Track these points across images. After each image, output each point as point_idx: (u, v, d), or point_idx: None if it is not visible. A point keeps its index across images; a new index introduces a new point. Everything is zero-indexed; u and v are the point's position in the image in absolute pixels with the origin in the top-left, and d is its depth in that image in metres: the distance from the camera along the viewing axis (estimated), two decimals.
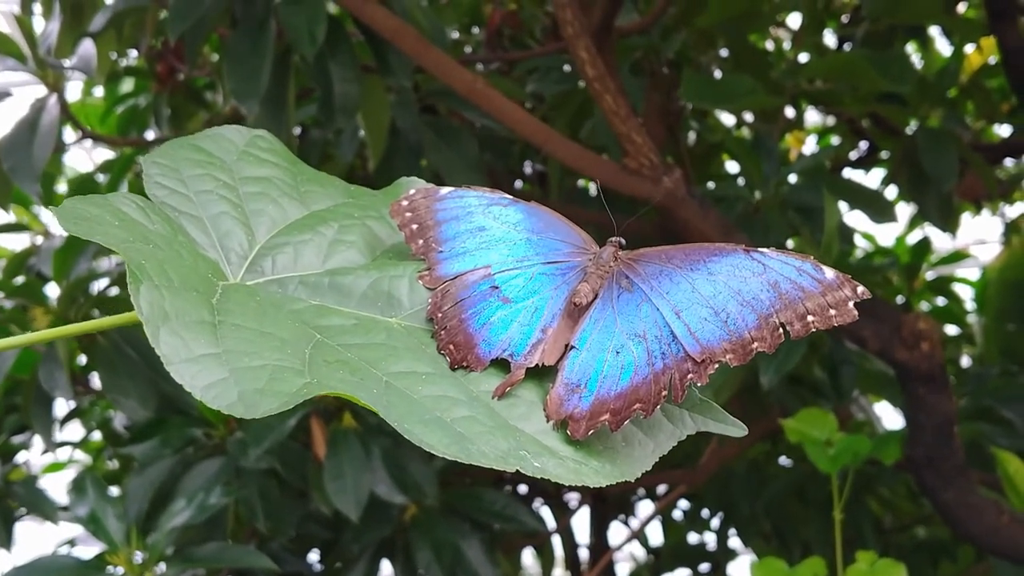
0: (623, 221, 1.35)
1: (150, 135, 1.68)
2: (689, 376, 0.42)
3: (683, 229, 1.14)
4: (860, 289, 0.43)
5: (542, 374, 0.44)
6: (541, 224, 0.50)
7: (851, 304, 0.43)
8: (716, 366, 0.42)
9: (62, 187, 1.71)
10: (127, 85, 1.67)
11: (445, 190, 0.51)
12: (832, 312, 0.42)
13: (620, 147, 1.12)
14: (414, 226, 0.49)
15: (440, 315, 0.45)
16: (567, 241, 0.49)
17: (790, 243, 1.33)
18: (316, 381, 0.38)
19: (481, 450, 0.39)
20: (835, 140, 1.97)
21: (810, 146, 2.07)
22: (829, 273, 0.43)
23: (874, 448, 1.17)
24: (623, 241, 0.49)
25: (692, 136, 1.73)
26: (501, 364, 0.44)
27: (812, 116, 2.02)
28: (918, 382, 1.12)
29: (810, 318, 0.42)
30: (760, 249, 0.45)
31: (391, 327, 0.45)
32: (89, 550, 1.28)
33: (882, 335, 1.11)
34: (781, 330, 0.42)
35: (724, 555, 1.71)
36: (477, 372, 0.43)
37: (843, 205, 1.38)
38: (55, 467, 1.86)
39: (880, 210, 1.36)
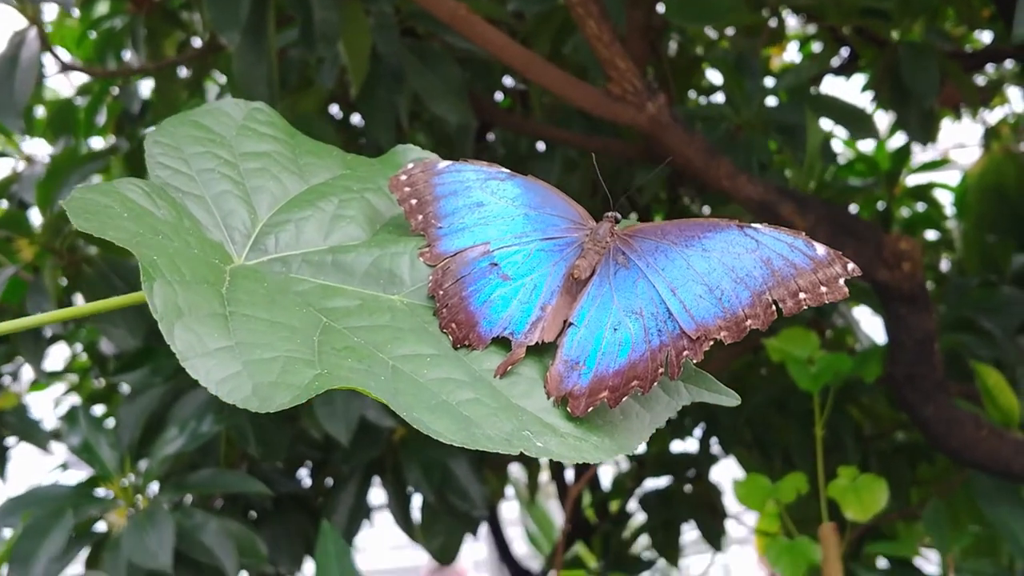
0: (605, 144, 1.36)
1: (127, 56, 1.67)
2: (685, 353, 0.43)
3: (667, 154, 1.15)
4: (851, 266, 0.44)
5: (542, 350, 0.45)
6: (538, 199, 0.51)
7: (842, 281, 0.44)
8: (711, 343, 0.44)
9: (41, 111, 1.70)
10: (103, 7, 1.65)
11: (443, 164, 0.52)
12: (823, 289, 0.44)
13: (603, 73, 1.12)
14: (413, 201, 0.50)
15: (441, 292, 0.46)
16: (564, 216, 0.50)
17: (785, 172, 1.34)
18: (327, 372, 0.39)
19: (487, 434, 0.40)
20: (816, 47, 1.97)
21: (792, 54, 2.07)
22: (820, 250, 0.44)
23: (855, 366, 1.19)
24: (619, 216, 0.50)
25: (674, 46, 1.73)
26: (502, 341, 0.46)
27: (794, 23, 2.01)
28: (899, 302, 1.14)
29: (802, 295, 0.43)
30: (753, 225, 0.46)
31: (394, 306, 0.46)
32: (81, 474, 1.30)
33: (864, 255, 1.12)
34: (774, 307, 0.44)
35: (707, 461, 1.75)
36: (479, 350, 0.45)
37: (825, 121, 1.39)
38: (40, 386, 1.87)
39: (861, 126, 1.37)
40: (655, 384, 0.43)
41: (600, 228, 0.49)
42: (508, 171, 0.52)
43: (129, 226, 0.42)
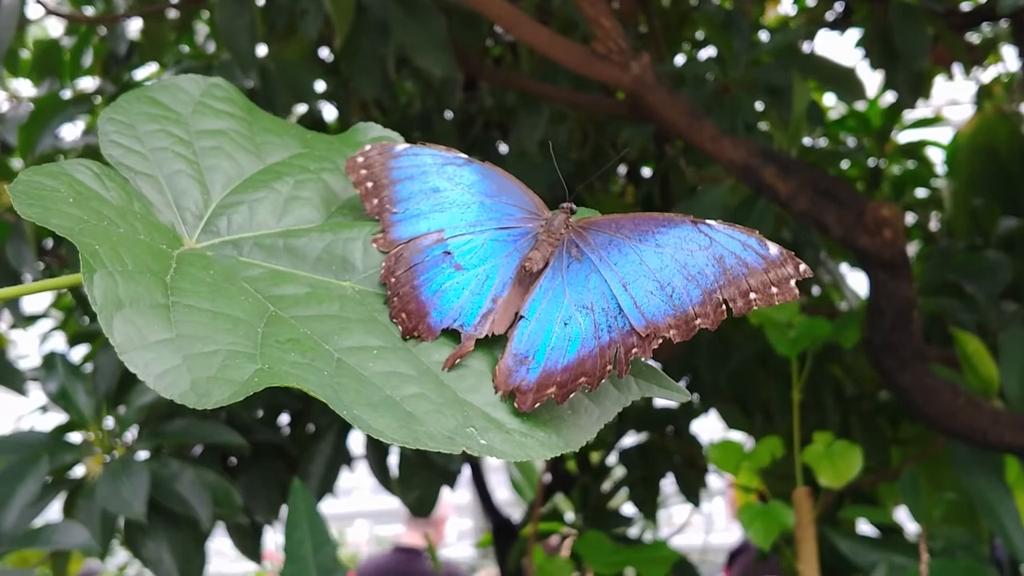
0: (592, 100, 1.35)
1: None
2: (634, 350, 0.43)
3: (651, 114, 1.14)
4: (803, 267, 0.43)
5: (492, 343, 0.45)
6: (494, 187, 0.50)
7: (793, 282, 0.43)
8: (660, 341, 0.43)
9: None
10: None
11: (401, 146, 0.51)
12: (774, 290, 0.43)
13: (589, 31, 1.12)
14: (369, 184, 0.49)
15: (393, 280, 0.46)
16: (519, 206, 0.50)
17: (762, 125, 1.33)
18: (267, 368, 0.39)
19: (428, 432, 0.40)
20: (811, 1, 1.95)
21: (786, 6, 2.05)
22: (773, 249, 0.44)
23: (833, 331, 1.19)
24: (574, 207, 0.49)
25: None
26: (452, 333, 0.45)
27: None
28: (879, 268, 1.14)
29: (752, 295, 0.43)
30: (707, 221, 0.45)
31: (344, 294, 0.46)
32: (60, 417, 1.30)
33: (845, 221, 1.12)
34: (724, 307, 0.43)
35: (688, 416, 1.75)
36: (429, 342, 0.44)
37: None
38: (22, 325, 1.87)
39: (850, 88, 1.36)
40: (603, 381, 0.43)
41: (555, 219, 0.48)
42: (466, 157, 0.51)
43: (74, 212, 0.42)
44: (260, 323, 0.42)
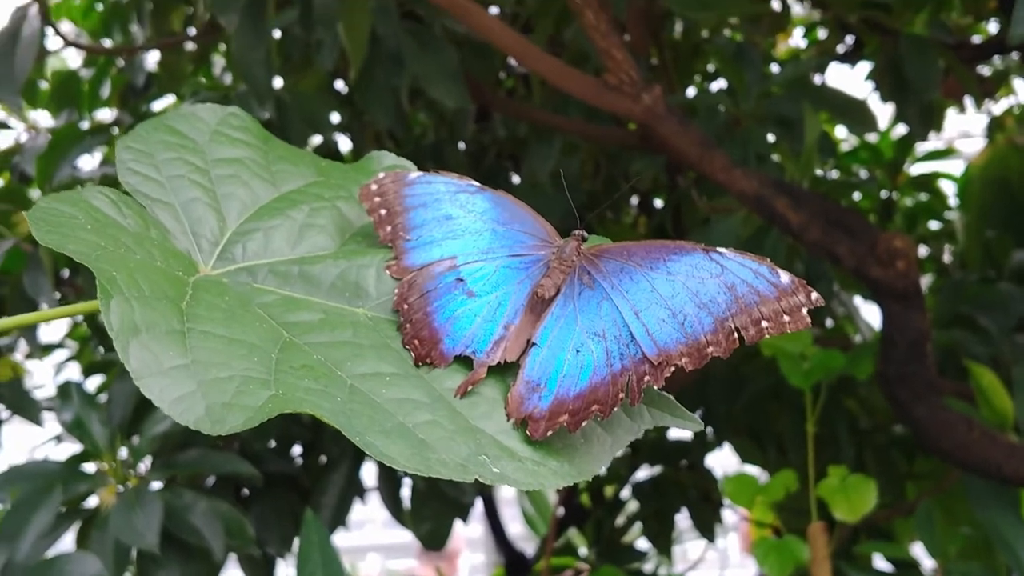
0: (603, 131, 1.35)
1: (134, 28, 1.66)
2: (646, 378, 0.43)
3: (663, 145, 1.15)
4: (814, 296, 0.43)
5: (504, 370, 0.45)
6: (507, 214, 0.50)
7: (805, 311, 0.43)
8: (672, 369, 0.43)
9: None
10: None
11: (414, 174, 0.51)
12: (786, 319, 0.43)
13: (601, 62, 1.12)
14: (383, 211, 0.50)
15: (406, 307, 0.46)
16: (531, 233, 0.50)
17: (775, 158, 1.33)
18: (281, 394, 0.39)
19: (441, 459, 0.40)
20: (822, 34, 1.96)
21: (796, 39, 2.06)
22: (785, 277, 0.44)
23: (847, 364, 1.19)
24: (585, 234, 0.49)
25: (679, 29, 1.72)
26: (465, 360, 0.45)
27: (799, 8, 2.00)
28: (892, 299, 1.13)
29: (764, 323, 0.43)
30: (719, 249, 0.45)
31: (357, 321, 0.46)
32: (75, 447, 1.31)
33: (858, 252, 1.12)
34: (736, 335, 0.43)
35: (702, 449, 1.75)
36: (441, 368, 0.45)
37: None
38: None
39: (862, 120, 1.36)
40: (616, 409, 0.43)
41: (567, 247, 0.49)
42: (478, 185, 0.51)
43: (91, 238, 0.42)
44: (274, 349, 0.42)
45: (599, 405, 0.43)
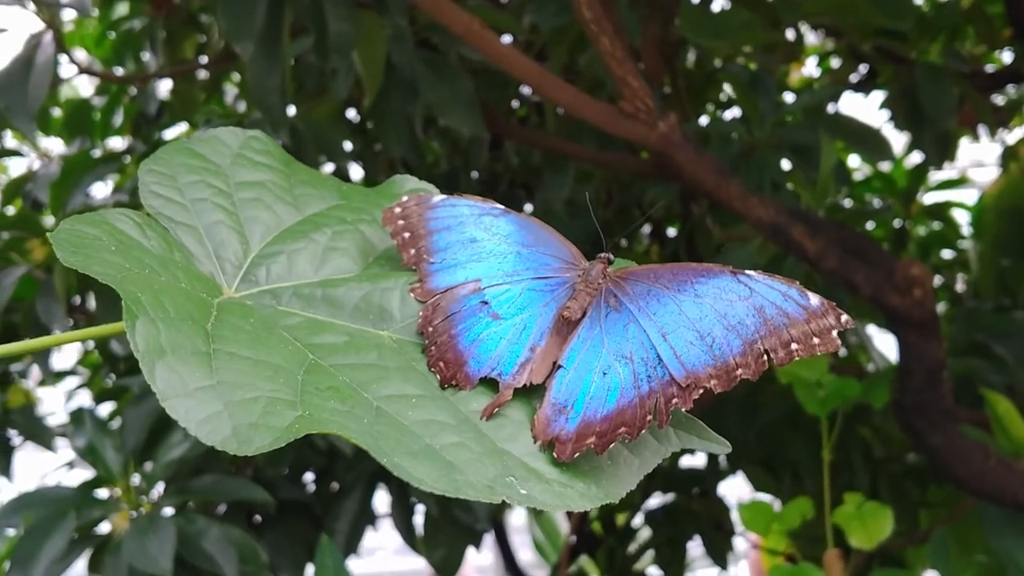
0: (618, 159, 1.35)
1: (146, 56, 1.67)
2: (674, 401, 0.43)
3: (678, 172, 1.15)
4: (844, 318, 0.43)
5: (530, 392, 0.45)
6: (531, 237, 0.50)
7: (835, 333, 0.43)
8: (700, 391, 0.43)
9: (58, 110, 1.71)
10: (122, 8, 1.66)
11: (438, 197, 0.51)
12: (816, 341, 0.43)
13: (616, 90, 1.12)
14: (406, 235, 0.50)
15: (431, 329, 0.46)
16: (556, 255, 0.50)
17: (789, 186, 1.33)
18: (308, 414, 0.39)
19: (469, 480, 0.40)
20: (835, 63, 1.96)
21: (810, 68, 2.06)
22: (814, 300, 0.44)
23: (863, 391, 1.19)
24: (612, 257, 0.49)
25: (692, 58, 1.73)
26: (490, 382, 0.45)
27: (813, 37, 2.00)
28: (909, 328, 1.13)
29: (794, 346, 0.43)
30: (747, 272, 0.45)
31: (382, 343, 0.46)
32: (87, 473, 1.31)
33: (874, 280, 1.12)
34: (765, 357, 0.43)
35: (715, 477, 1.74)
36: (467, 391, 0.44)
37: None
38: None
39: (877, 148, 1.36)
40: (643, 431, 0.43)
41: (592, 269, 0.48)
42: (502, 208, 0.51)
43: (115, 260, 0.42)
44: (300, 371, 0.42)
45: (627, 427, 0.42)
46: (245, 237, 0.49)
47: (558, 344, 0.46)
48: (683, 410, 0.44)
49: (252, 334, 0.42)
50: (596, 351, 0.45)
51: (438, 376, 0.44)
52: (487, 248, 0.49)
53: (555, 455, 0.42)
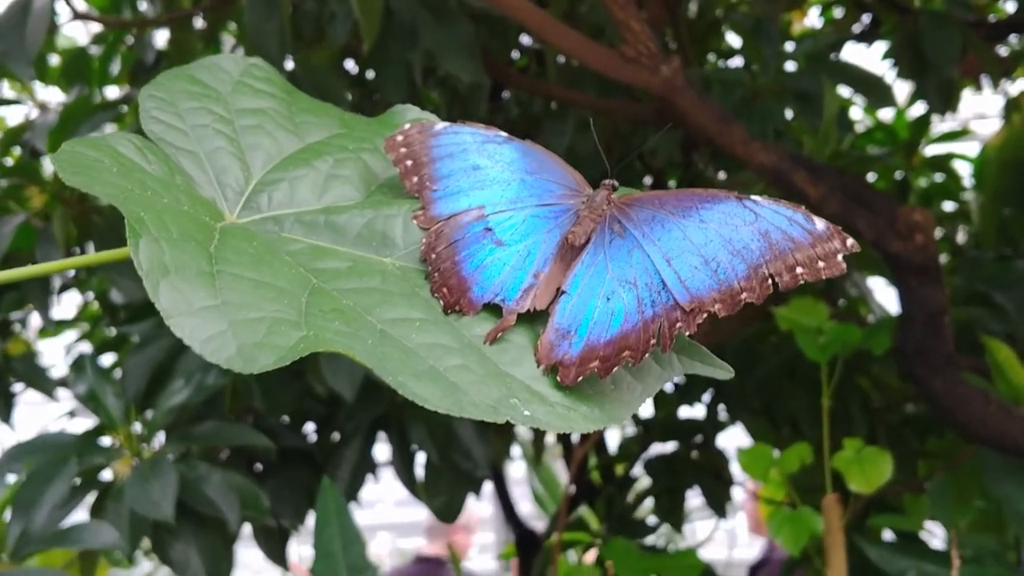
0: (619, 106, 1.35)
1: (143, 6, 1.66)
2: (678, 325, 0.43)
3: (681, 118, 1.14)
4: (850, 242, 0.43)
5: (534, 318, 0.45)
6: (535, 164, 0.50)
7: (840, 257, 0.43)
8: (705, 316, 0.43)
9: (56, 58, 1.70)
10: None
11: (440, 125, 0.51)
12: (821, 264, 0.43)
13: (618, 34, 1.11)
14: (409, 162, 0.49)
15: (434, 256, 0.46)
16: (560, 183, 0.50)
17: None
18: (312, 335, 0.39)
19: (473, 401, 0.40)
20: (838, 13, 1.95)
21: (812, 19, 2.05)
22: (820, 224, 0.43)
23: (864, 338, 1.19)
24: (616, 183, 0.49)
25: (694, 8, 1.71)
26: (493, 308, 0.45)
27: None
28: (911, 274, 1.13)
29: (799, 270, 0.43)
30: (752, 197, 0.45)
31: (385, 269, 0.45)
32: (88, 422, 1.31)
33: (876, 226, 1.11)
34: (770, 281, 0.43)
35: (714, 427, 1.74)
36: (470, 316, 0.44)
37: (843, 89, 1.38)
38: (48, 333, 1.87)
39: (879, 94, 1.35)
40: (647, 355, 0.43)
41: (597, 195, 0.48)
42: (506, 135, 0.51)
43: (118, 181, 0.42)
44: (304, 294, 0.41)
45: (630, 351, 0.42)
46: (247, 164, 0.49)
47: (562, 270, 0.46)
48: (687, 335, 0.43)
49: (255, 257, 0.42)
50: (600, 276, 0.45)
51: (441, 302, 0.44)
52: (491, 175, 0.49)
53: (559, 379, 0.42)
